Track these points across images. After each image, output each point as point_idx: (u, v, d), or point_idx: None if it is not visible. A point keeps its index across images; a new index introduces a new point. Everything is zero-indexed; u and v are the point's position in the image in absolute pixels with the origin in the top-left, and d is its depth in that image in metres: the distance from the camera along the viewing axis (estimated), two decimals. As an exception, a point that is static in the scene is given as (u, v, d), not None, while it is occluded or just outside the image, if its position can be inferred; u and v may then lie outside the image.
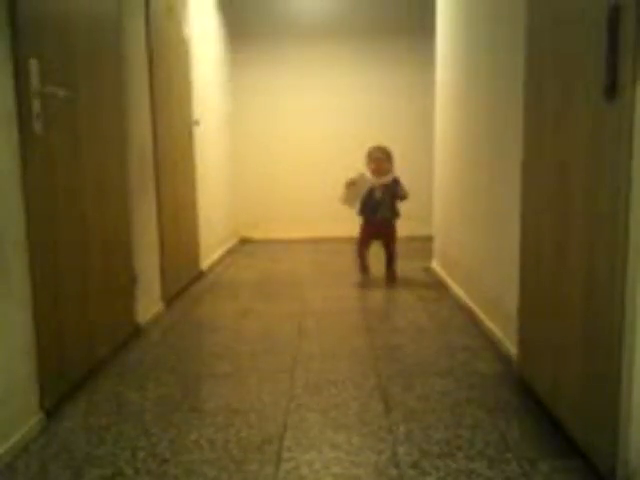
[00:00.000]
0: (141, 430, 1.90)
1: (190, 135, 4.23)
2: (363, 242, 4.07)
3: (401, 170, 6.30)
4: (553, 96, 1.84)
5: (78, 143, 2.30)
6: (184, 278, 3.94)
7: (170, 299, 3.56)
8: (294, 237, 6.15)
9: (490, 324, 2.82)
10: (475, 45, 3.26)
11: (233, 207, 6.11)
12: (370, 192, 3.92)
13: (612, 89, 1.44)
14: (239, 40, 6.16)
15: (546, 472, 1.61)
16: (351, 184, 3.92)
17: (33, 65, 1.91)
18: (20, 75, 1.85)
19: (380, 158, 3.95)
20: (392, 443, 1.78)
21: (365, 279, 4.03)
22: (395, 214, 4.03)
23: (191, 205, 4.26)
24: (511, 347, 2.41)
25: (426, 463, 1.66)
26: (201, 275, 4.38)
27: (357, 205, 3.99)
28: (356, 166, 5.59)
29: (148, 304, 3.17)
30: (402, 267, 4.63)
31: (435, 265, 4.45)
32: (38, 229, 1.94)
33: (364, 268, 4.08)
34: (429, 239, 4.73)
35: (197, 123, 4.36)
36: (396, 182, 3.97)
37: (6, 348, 1.77)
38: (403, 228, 6.18)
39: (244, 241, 6.19)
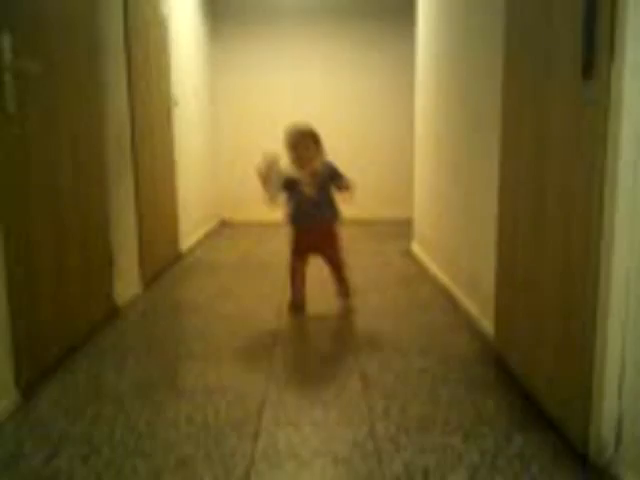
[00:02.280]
0: (118, 409, 1.89)
1: (169, 115, 4.19)
2: (295, 259, 2.93)
3: (382, 151, 6.36)
4: (532, 74, 1.85)
5: (54, 122, 2.26)
6: (163, 260, 3.92)
7: (148, 281, 3.54)
8: (275, 220, 6.13)
9: (468, 303, 2.84)
10: (455, 23, 3.25)
11: (213, 189, 6.07)
12: (294, 188, 2.79)
13: (589, 68, 1.45)
14: (218, 20, 6.09)
15: (520, 445, 1.63)
16: (266, 172, 2.72)
17: (5, 40, 1.87)
18: (-9, 50, 1.81)
19: (300, 143, 2.77)
20: (370, 419, 1.80)
21: (297, 313, 2.93)
22: (335, 213, 2.89)
23: (170, 186, 4.22)
24: (488, 325, 2.44)
25: (403, 438, 1.68)
26: (180, 257, 4.35)
27: (278, 198, 2.82)
28: (337, 145, 5.58)
29: (126, 285, 3.14)
30: (382, 249, 4.65)
31: (415, 247, 4.47)
32: (12, 211, 1.91)
33: (296, 299, 2.96)
34: (409, 222, 4.75)
35: (176, 103, 4.31)
36: (329, 167, 2.81)
37: (-21, 327, 1.74)
38: (383, 211, 6.23)
39: (224, 223, 6.16)
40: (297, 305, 2.93)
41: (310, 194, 2.78)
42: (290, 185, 2.77)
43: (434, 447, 1.63)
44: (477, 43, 2.77)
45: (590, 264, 1.45)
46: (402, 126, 5.98)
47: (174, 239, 4.29)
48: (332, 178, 2.79)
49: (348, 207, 2.90)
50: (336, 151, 6.49)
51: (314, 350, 2.41)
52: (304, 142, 2.76)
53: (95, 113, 2.74)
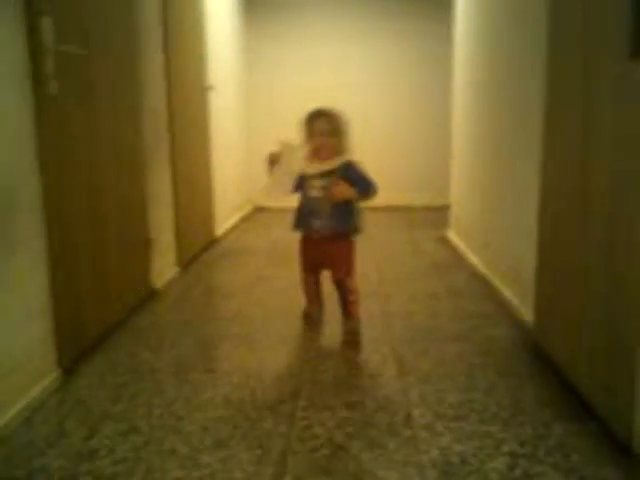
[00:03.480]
0: (156, 388, 1.91)
1: (204, 100, 4.20)
2: (304, 269, 2.48)
3: (418, 138, 6.29)
4: (577, 59, 1.79)
5: (93, 104, 2.29)
6: (198, 244, 3.95)
7: (185, 264, 3.57)
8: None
9: (506, 291, 2.80)
10: (497, 13, 3.18)
11: (248, 174, 6.08)
12: (302, 186, 2.29)
13: (637, 47, 1.40)
14: (254, 7, 6.07)
15: (560, 435, 1.60)
16: (273, 160, 2.28)
17: (47, 24, 1.88)
18: (33, 33, 1.83)
19: (319, 128, 2.24)
20: (406, 405, 1.79)
21: (311, 326, 2.52)
22: (347, 225, 2.30)
23: (205, 171, 4.24)
24: (527, 313, 2.40)
25: (440, 425, 1.66)
26: (215, 241, 4.39)
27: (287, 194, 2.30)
28: (372, 133, 5.48)
29: (163, 268, 3.18)
30: (417, 236, 4.61)
31: (451, 234, 4.42)
32: (54, 191, 1.94)
33: (310, 310, 2.57)
34: (445, 209, 4.69)
35: (212, 88, 4.33)
36: (348, 167, 2.25)
37: (25, 308, 1.78)
38: (418, 198, 6.17)
39: (259, 209, 6.18)
40: (311, 317, 2.53)
41: (316, 197, 2.25)
42: (300, 181, 2.26)
43: (471, 434, 1.61)
44: (519, 40, 2.70)
45: (637, 253, 1.41)
46: (438, 114, 5.88)
47: (209, 224, 4.32)
48: (351, 181, 2.21)
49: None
50: (372, 139, 6.44)
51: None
52: (324, 127, 2.22)
53: (133, 98, 2.76)
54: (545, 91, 2.08)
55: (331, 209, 2.23)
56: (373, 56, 6.16)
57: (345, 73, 6.19)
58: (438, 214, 5.20)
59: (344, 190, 2.20)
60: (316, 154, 2.25)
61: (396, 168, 6.25)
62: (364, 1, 6.08)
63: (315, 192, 2.26)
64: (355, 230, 2.32)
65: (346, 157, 2.26)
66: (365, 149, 6.47)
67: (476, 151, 3.66)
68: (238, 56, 5.70)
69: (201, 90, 4.12)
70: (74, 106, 2.11)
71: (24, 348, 1.77)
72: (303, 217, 2.31)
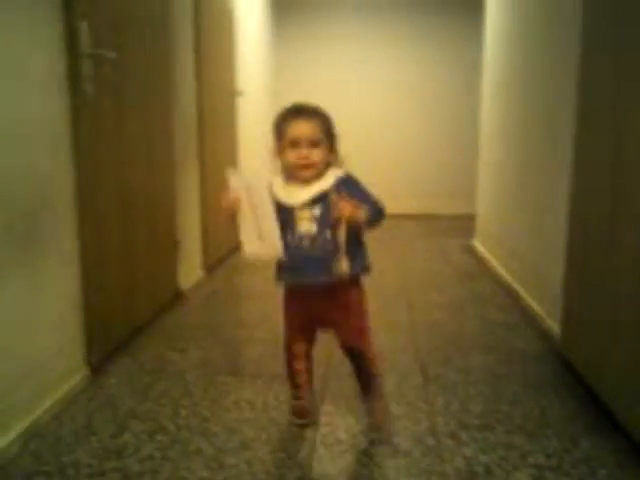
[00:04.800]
0: (183, 389, 1.94)
1: (233, 105, 4.24)
2: (291, 339, 1.73)
3: (444, 146, 6.27)
4: (610, 67, 1.78)
5: (126, 107, 2.33)
6: (224, 247, 3.98)
7: (211, 267, 3.60)
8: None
9: (532, 301, 2.77)
10: (527, 18, 3.16)
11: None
12: (281, 218, 1.54)
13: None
14: (284, 13, 6.12)
15: (587, 448, 1.59)
16: (233, 209, 1.60)
17: (84, 29, 1.93)
18: (71, 38, 1.88)
19: (304, 133, 1.54)
20: (430, 414, 1.78)
21: (302, 423, 1.72)
22: (355, 265, 1.57)
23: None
24: (554, 325, 2.38)
25: (464, 434, 1.66)
26: (241, 245, 4.41)
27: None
28: (398, 139, 5.46)
29: (190, 270, 3.21)
30: (442, 244, 4.59)
31: (476, 243, 4.39)
32: (86, 192, 1.98)
33: (298, 404, 1.76)
34: (471, 217, 4.67)
35: (240, 93, 4.37)
36: (345, 184, 1.56)
37: (57, 307, 1.82)
38: (444, 206, 6.14)
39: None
40: (299, 412, 1.73)
41: (308, 231, 1.53)
42: (276, 212, 1.52)
43: (497, 445, 1.60)
44: (551, 42, 2.69)
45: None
46: (465, 121, 5.87)
47: (235, 228, 4.34)
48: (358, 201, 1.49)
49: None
50: (398, 144, 6.43)
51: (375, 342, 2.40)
52: (308, 132, 1.53)
53: (164, 101, 2.80)
54: (577, 94, 2.06)
55: (321, 235, 1.52)
56: (400, 59, 6.18)
57: (371, 76, 6.21)
58: (464, 222, 5.18)
59: (352, 208, 1.46)
60: (295, 173, 1.55)
61: (422, 174, 6.25)
62: (392, 4, 6.08)
63: (306, 225, 1.52)
64: (365, 271, 1.62)
65: (339, 171, 1.57)
66: (390, 154, 6.49)
67: (504, 158, 3.64)
68: (266, 61, 5.74)
69: (231, 94, 4.16)
70: (108, 107, 2.16)
71: (54, 346, 1.80)
72: (292, 263, 1.55)
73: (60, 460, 1.52)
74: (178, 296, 2.97)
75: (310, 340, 1.73)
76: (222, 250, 3.92)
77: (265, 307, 2.87)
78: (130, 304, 2.38)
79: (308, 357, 1.75)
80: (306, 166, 1.53)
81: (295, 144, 1.53)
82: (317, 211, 1.53)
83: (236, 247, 4.23)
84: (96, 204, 2.06)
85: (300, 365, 1.73)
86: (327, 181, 1.54)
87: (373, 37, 6.15)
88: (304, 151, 1.52)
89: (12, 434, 1.56)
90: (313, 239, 1.53)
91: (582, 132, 2.02)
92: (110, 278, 2.19)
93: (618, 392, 1.69)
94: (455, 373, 2.09)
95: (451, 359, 2.22)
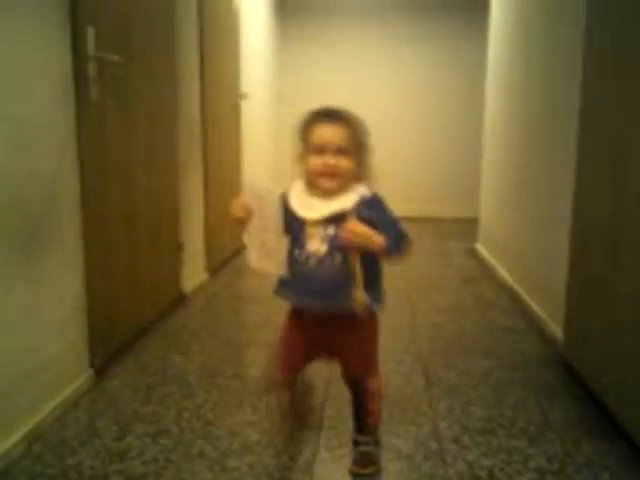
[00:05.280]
0: (186, 392, 1.94)
1: (237, 108, 4.25)
2: (284, 363, 1.53)
3: (447, 149, 6.27)
4: (613, 67, 1.78)
5: (131, 111, 2.34)
6: (227, 250, 3.99)
7: (214, 269, 3.61)
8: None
9: (535, 306, 2.77)
10: (530, 19, 3.17)
11: (278, 182, 6.14)
12: (292, 230, 1.40)
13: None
14: (288, 15, 6.13)
15: (589, 453, 1.59)
16: (244, 217, 1.42)
17: (90, 33, 1.94)
18: (77, 42, 1.89)
19: (336, 145, 1.36)
20: (432, 417, 1.78)
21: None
22: (370, 295, 1.38)
23: (236, 179, 4.28)
24: (556, 329, 2.38)
25: (467, 438, 1.66)
26: (244, 248, 4.42)
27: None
28: (400, 143, 5.44)
29: (193, 273, 3.22)
30: (445, 248, 4.59)
31: (479, 247, 4.39)
32: (91, 195, 1.98)
33: (285, 431, 1.68)
34: (474, 221, 4.67)
35: (245, 97, 4.38)
36: (371, 205, 1.37)
37: (60, 309, 1.83)
38: (447, 209, 6.14)
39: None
40: (286, 432, 1.62)
41: (318, 250, 1.36)
42: (287, 222, 1.39)
43: (499, 449, 1.60)
44: (554, 42, 2.69)
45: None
46: (468, 124, 5.87)
47: (238, 231, 4.35)
48: (373, 226, 1.31)
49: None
50: (400, 147, 6.41)
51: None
52: (336, 139, 1.36)
53: (168, 104, 2.81)
54: (580, 95, 2.06)
55: (332, 259, 1.35)
56: (404, 62, 6.18)
57: (374, 78, 6.21)
58: (466, 226, 5.18)
59: (361, 232, 1.28)
60: (317, 181, 1.37)
61: (424, 177, 6.25)
62: (394, 6, 6.09)
63: (316, 244, 1.35)
64: (380, 302, 1.43)
65: (365, 189, 1.39)
66: (392, 156, 6.49)
67: (507, 161, 3.64)
68: (270, 63, 5.76)
69: (234, 98, 4.17)
70: (112, 111, 2.16)
71: (58, 348, 1.81)
72: (296, 281, 1.40)
73: (63, 462, 1.53)
74: (181, 298, 2.98)
75: (303, 368, 1.54)
76: (225, 252, 3.93)
77: (268, 310, 2.87)
78: (133, 306, 2.38)
79: (292, 388, 1.55)
80: (331, 175, 1.35)
81: (320, 150, 1.35)
82: (331, 231, 1.34)
83: (239, 250, 4.24)
84: (100, 207, 2.07)
85: (286, 396, 1.56)
86: (350, 199, 1.35)
87: (376, 39, 6.16)
88: (330, 159, 1.34)
89: (16, 436, 1.56)
90: (320, 260, 1.35)
91: (585, 133, 2.02)
92: (114, 280, 2.19)
93: (621, 396, 1.69)
94: (457, 377, 2.09)
95: (453, 363, 2.22)
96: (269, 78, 5.71)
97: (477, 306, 3.00)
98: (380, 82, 6.21)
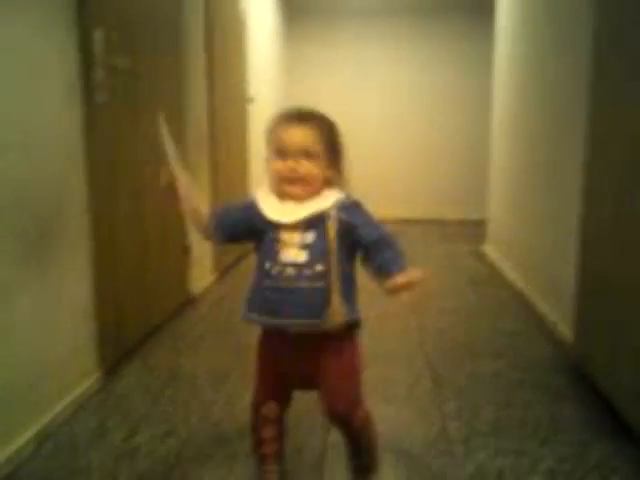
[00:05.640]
0: (194, 393, 1.95)
1: (244, 112, 4.26)
2: (261, 398, 1.36)
3: (454, 151, 6.27)
4: (622, 68, 1.78)
5: (138, 114, 2.34)
6: (235, 252, 4.00)
7: (221, 272, 3.62)
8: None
9: (544, 307, 2.76)
10: (537, 20, 3.16)
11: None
12: (262, 239, 1.27)
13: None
14: (295, 17, 6.15)
15: (599, 455, 1.58)
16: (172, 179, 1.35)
17: (98, 37, 1.95)
18: (85, 46, 1.90)
19: (302, 147, 1.23)
20: (441, 419, 1.78)
21: None
22: (349, 311, 1.24)
23: (243, 182, 4.29)
24: (565, 330, 2.37)
25: (476, 440, 1.65)
26: (252, 251, 4.43)
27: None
28: (408, 145, 5.47)
29: (200, 275, 3.23)
30: (452, 250, 4.59)
31: (487, 249, 4.38)
32: (99, 198, 1.99)
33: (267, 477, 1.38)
34: (480, 223, 4.66)
35: (251, 100, 4.39)
36: (350, 209, 1.25)
37: (70, 312, 1.84)
38: (454, 212, 6.13)
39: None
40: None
41: (295, 259, 1.22)
42: (255, 231, 1.27)
43: (508, 451, 1.60)
44: (562, 42, 2.69)
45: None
46: (474, 125, 5.87)
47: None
48: (356, 233, 1.22)
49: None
50: (407, 148, 6.39)
51: (384, 348, 2.40)
52: (302, 140, 1.23)
53: (175, 108, 2.82)
54: (588, 95, 2.06)
55: (311, 267, 1.21)
56: (410, 64, 6.21)
57: (381, 80, 6.24)
58: (473, 228, 5.17)
59: (414, 280, 1.15)
60: (280, 188, 1.25)
61: (430, 179, 6.25)
62: (401, 7, 6.10)
63: (293, 252, 1.21)
64: (353, 318, 1.26)
65: (340, 193, 1.26)
66: (399, 158, 6.51)
67: (515, 162, 3.64)
68: (277, 67, 5.77)
69: (241, 102, 4.19)
70: (120, 114, 2.18)
71: (68, 349, 1.82)
72: (268, 297, 1.23)
73: (73, 462, 1.53)
74: (189, 300, 2.99)
75: (284, 401, 1.37)
76: (232, 255, 3.94)
77: (276, 312, 2.87)
78: (142, 308, 2.39)
79: (280, 422, 1.37)
80: (292, 180, 1.23)
81: (282, 153, 1.23)
82: (310, 237, 1.21)
83: (246, 252, 4.25)
84: (108, 209, 2.08)
85: (269, 432, 1.35)
86: (326, 200, 1.24)
87: (382, 41, 6.17)
88: (291, 162, 1.22)
89: (26, 436, 1.57)
90: (299, 269, 1.20)
91: (594, 134, 2.01)
92: (123, 282, 2.20)
93: (631, 398, 1.68)
94: (466, 378, 2.08)
95: (462, 364, 2.21)
96: (276, 81, 5.72)
97: (485, 308, 3.00)
98: (386, 84, 6.22)
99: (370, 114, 6.21)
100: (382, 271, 1.19)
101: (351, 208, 1.24)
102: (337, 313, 1.20)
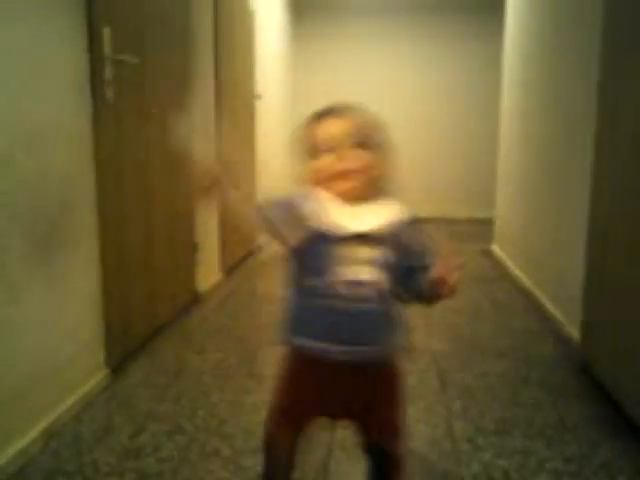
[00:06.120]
0: (201, 391, 1.95)
1: (252, 109, 4.26)
2: (278, 425, 1.16)
3: (463, 150, 6.26)
4: (631, 68, 1.77)
5: (146, 111, 2.35)
6: (241, 251, 4.00)
7: (228, 270, 3.62)
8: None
9: (551, 307, 2.75)
10: (547, 20, 3.15)
11: (293, 183, 6.14)
12: (315, 258, 1.04)
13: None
14: (303, 14, 6.15)
15: (606, 455, 1.57)
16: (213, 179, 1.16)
17: (106, 34, 1.95)
18: (93, 43, 1.90)
19: (341, 136, 1.06)
20: (447, 418, 1.78)
21: None
22: (397, 339, 1.10)
23: (251, 180, 4.30)
24: (572, 329, 2.36)
25: (481, 439, 1.65)
26: (258, 249, 4.44)
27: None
28: (416, 145, 5.42)
29: (208, 273, 3.23)
30: (461, 249, 4.57)
31: (495, 248, 4.37)
32: (107, 195, 2.00)
33: None
34: (488, 222, 4.65)
35: (259, 97, 4.39)
36: (410, 228, 1.08)
37: (77, 309, 1.85)
38: (462, 210, 6.11)
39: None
40: None
41: (358, 275, 1.03)
42: (310, 236, 1.05)
43: (514, 450, 1.59)
44: (570, 41, 2.67)
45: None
46: (483, 124, 5.84)
47: (252, 232, 4.37)
48: (406, 259, 1.07)
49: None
50: (416, 147, 6.38)
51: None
52: (344, 128, 1.07)
53: (184, 104, 2.82)
54: (597, 96, 2.04)
55: (370, 285, 1.04)
56: (419, 63, 6.18)
57: (390, 79, 6.21)
58: (482, 227, 5.15)
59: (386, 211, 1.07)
60: (332, 187, 1.06)
61: (439, 178, 6.23)
62: (409, 5, 6.08)
63: (357, 269, 1.03)
64: (403, 340, 1.12)
65: (394, 203, 1.09)
66: (407, 156, 6.45)
67: (523, 162, 3.62)
68: (285, 64, 5.77)
69: (249, 99, 4.19)
70: (128, 111, 2.18)
71: (75, 347, 1.82)
72: (315, 319, 1.06)
73: (80, 459, 1.54)
74: (196, 298, 2.99)
75: (304, 430, 1.17)
76: (240, 253, 3.94)
77: (280, 311, 2.87)
78: (149, 305, 2.40)
79: (293, 458, 1.17)
80: (346, 173, 1.04)
81: (326, 148, 1.05)
82: (373, 251, 1.03)
83: (254, 250, 4.26)
84: (116, 206, 2.09)
85: (281, 476, 1.18)
86: (388, 209, 1.07)
87: (390, 39, 6.16)
88: (341, 154, 1.04)
89: (33, 433, 1.58)
90: (363, 288, 1.02)
91: (602, 133, 2.00)
92: (130, 280, 2.21)
93: (638, 398, 1.67)
94: (473, 377, 2.08)
95: (469, 363, 2.21)
96: (284, 78, 5.72)
97: (493, 307, 2.99)
98: (394, 82, 6.20)
99: (378, 112, 6.18)
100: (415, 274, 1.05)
101: (412, 224, 1.09)
102: (400, 338, 1.09)
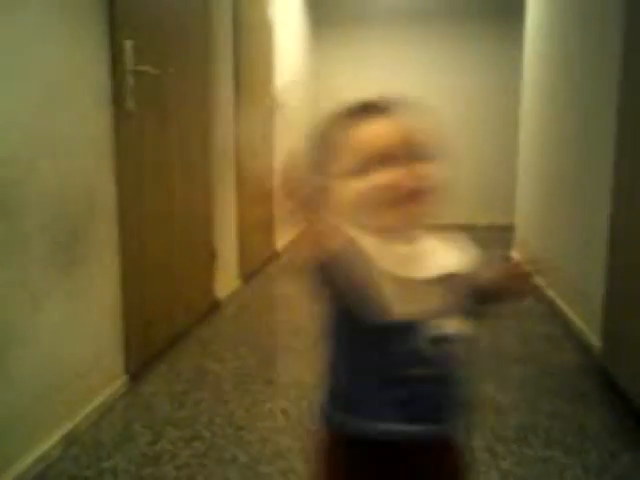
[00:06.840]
0: (218, 398, 1.96)
1: (271, 117, 4.29)
2: None
3: (481, 155, 6.21)
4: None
5: (166, 121, 2.38)
6: (260, 257, 4.02)
7: (247, 277, 3.64)
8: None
9: (572, 314, 2.72)
10: (568, 22, 3.12)
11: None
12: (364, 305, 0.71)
13: None
14: (322, 20, 6.18)
15: (627, 464, 1.55)
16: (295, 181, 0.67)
17: (128, 46, 1.99)
18: (116, 55, 1.94)
19: (403, 143, 0.76)
20: (465, 426, 1.76)
21: None
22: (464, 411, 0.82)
23: (268, 187, 4.31)
24: (593, 337, 2.33)
25: (501, 447, 1.63)
26: (276, 255, 4.45)
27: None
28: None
29: (226, 280, 3.25)
30: (483, 255, 4.54)
31: (515, 254, 4.33)
32: (127, 203, 2.03)
33: None
34: (509, 228, 4.61)
35: (278, 105, 4.41)
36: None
37: (97, 316, 1.87)
38: (481, 217, 6.08)
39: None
40: None
41: (458, 328, 0.84)
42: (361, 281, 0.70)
43: (534, 459, 1.57)
44: (591, 43, 2.65)
45: None
46: (503, 129, 5.81)
47: (270, 238, 4.38)
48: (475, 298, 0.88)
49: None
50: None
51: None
52: (404, 133, 0.78)
53: (203, 113, 2.85)
54: (618, 100, 2.02)
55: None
56: (437, 66, 6.15)
57: (408, 83, 6.19)
58: (502, 233, 5.10)
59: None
60: (405, 208, 0.78)
61: (459, 183, 6.18)
62: (427, 10, 6.08)
63: (444, 327, 0.81)
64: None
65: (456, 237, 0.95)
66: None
67: (544, 167, 3.59)
68: (304, 71, 5.79)
69: (268, 108, 4.21)
70: (149, 121, 2.21)
71: (95, 354, 1.85)
72: (388, 395, 0.77)
73: (99, 465, 1.55)
74: (215, 305, 3.01)
75: None
76: (258, 260, 3.96)
77: (299, 317, 2.88)
78: (168, 313, 2.42)
79: None
80: (416, 194, 0.78)
81: (385, 160, 0.76)
82: (447, 295, 0.82)
83: (272, 257, 4.27)
84: (136, 214, 2.11)
85: None
86: (446, 243, 0.90)
87: (408, 44, 6.14)
88: (409, 168, 0.77)
89: (54, 439, 1.60)
90: (451, 345, 0.82)
91: (623, 134, 1.98)
92: (149, 287, 2.23)
93: (660, 407, 1.64)
94: (492, 385, 2.06)
95: (489, 371, 2.19)
96: (304, 87, 5.74)
97: (513, 314, 2.95)
98: (414, 87, 6.17)
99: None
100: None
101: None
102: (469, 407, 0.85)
